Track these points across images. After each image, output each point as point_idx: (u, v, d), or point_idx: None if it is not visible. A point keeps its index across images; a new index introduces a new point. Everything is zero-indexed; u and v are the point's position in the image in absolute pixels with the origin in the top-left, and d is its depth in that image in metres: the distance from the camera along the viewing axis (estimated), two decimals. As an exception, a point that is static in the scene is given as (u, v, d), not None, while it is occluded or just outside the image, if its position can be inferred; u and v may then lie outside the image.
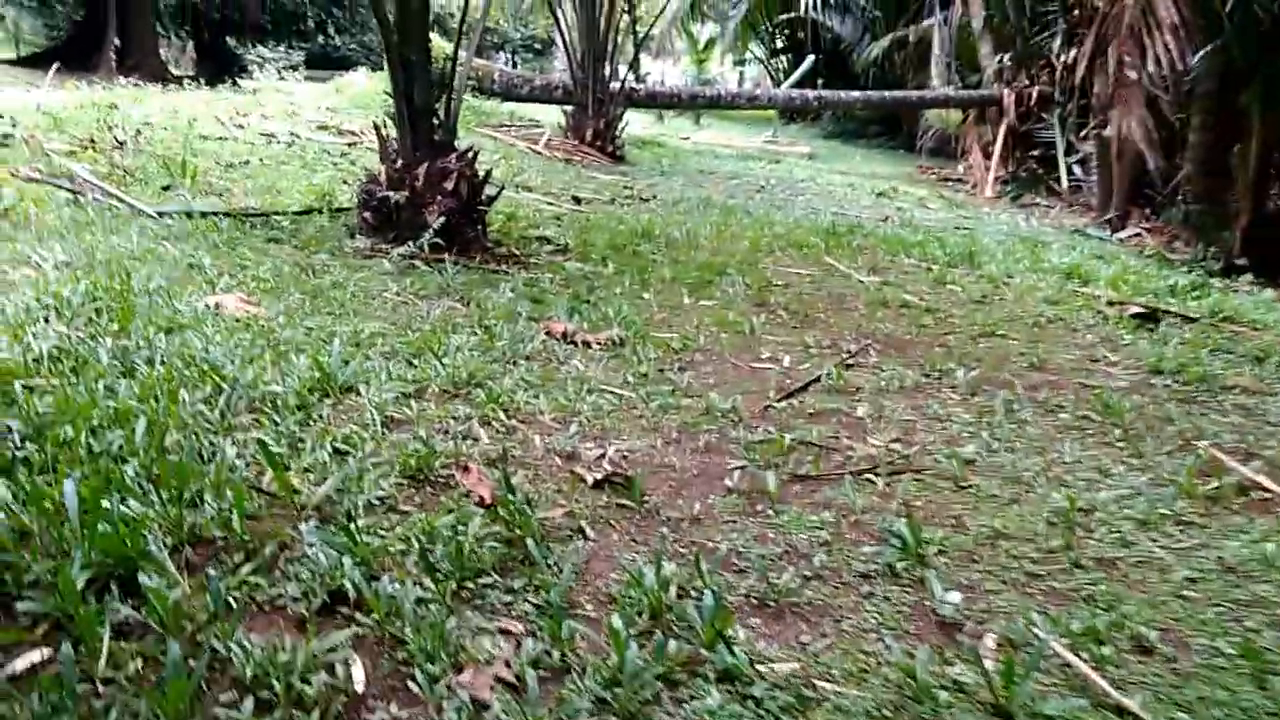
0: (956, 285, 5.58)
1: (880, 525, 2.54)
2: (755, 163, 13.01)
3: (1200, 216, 10.24)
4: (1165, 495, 2.81)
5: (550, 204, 7.36)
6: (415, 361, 3.39)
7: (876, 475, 2.89)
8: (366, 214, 5.02)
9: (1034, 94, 15.13)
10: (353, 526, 2.08)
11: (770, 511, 2.61)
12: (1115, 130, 10.54)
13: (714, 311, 4.71)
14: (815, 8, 19.61)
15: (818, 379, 3.79)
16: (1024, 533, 2.56)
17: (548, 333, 4.02)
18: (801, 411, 3.44)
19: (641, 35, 12.13)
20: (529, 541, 2.15)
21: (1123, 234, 10.91)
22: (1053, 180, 14.72)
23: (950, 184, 14.94)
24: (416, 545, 2.08)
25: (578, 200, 7.68)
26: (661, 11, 13.08)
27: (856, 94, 15.04)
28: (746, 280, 5.34)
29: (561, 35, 11.19)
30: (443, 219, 4.81)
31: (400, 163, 5.01)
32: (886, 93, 16.08)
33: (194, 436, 2.39)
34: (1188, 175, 10.40)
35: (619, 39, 11.52)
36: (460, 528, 2.22)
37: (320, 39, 25.69)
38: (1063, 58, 15.11)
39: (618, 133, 11.20)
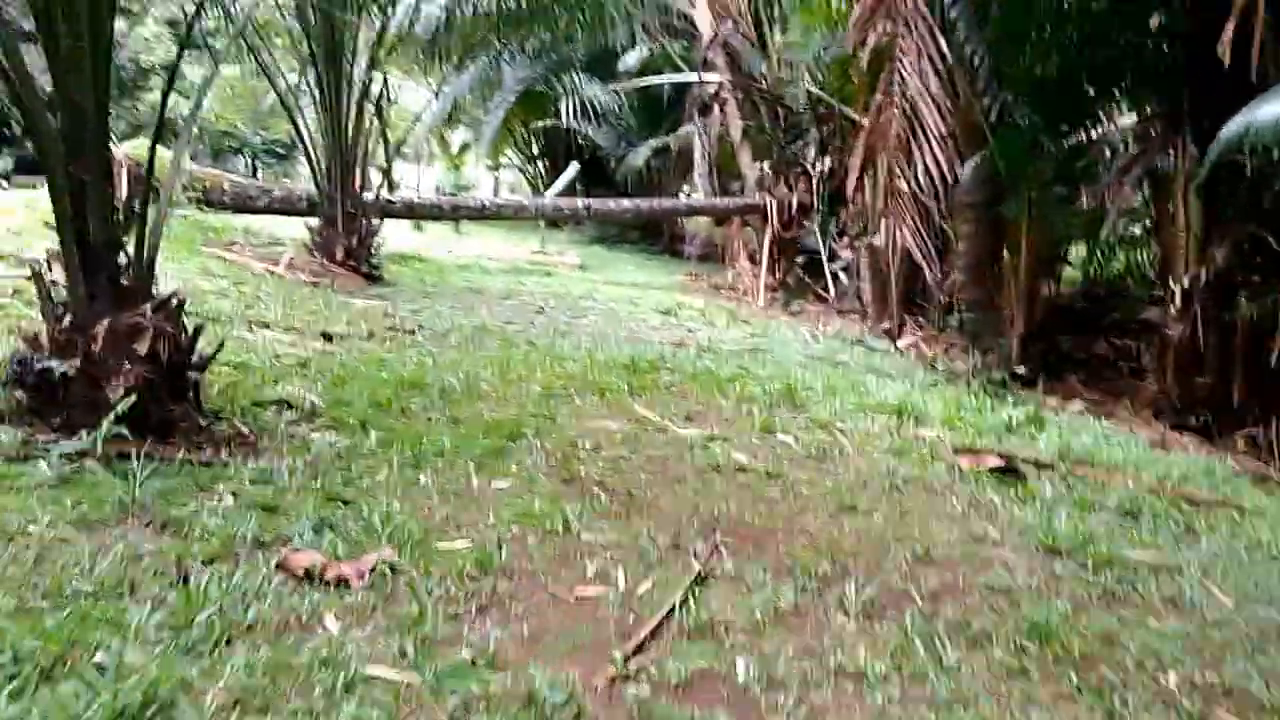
0: (788, 435, 4.79)
1: None
2: (527, 276, 12.12)
3: (975, 324, 10.28)
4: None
5: (293, 345, 6.05)
6: (54, 676, 2.08)
7: (812, 823, 1.90)
8: (19, 393, 3.60)
9: (795, 202, 15.30)
10: None
11: None
12: (887, 239, 10.48)
13: (513, 497, 3.64)
14: (572, 115, 19.33)
15: (670, 612, 2.79)
16: None
17: (284, 570, 2.79)
18: (664, 683, 2.41)
19: (396, 143, 11.06)
20: None
21: (901, 343, 10.83)
22: (820, 287, 14.83)
23: (722, 292, 14.66)
24: None
25: (328, 337, 6.41)
26: (418, 119, 12.10)
27: (626, 203, 14.61)
28: (546, 444, 4.31)
29: (303, 143, 9.91)
30: (132, 396, 3.47)
31: (70, 320, 3.64)
32: (655, 201, 15.82)
33: None
34: (960, 283, 10.46)
35: (370, 145, 10.40)
36: None
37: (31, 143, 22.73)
38: (818, 166, 15.47)
39: (373, 249, 9.98)
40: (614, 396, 5.26)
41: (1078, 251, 12.55)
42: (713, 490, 3.92)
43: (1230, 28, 5.18)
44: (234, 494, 3.32)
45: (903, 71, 9.37)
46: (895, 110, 9.60)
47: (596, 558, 3.16)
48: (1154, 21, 8.26)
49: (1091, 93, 9.27)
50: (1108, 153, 9.75)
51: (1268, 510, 4.61)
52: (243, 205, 11.01)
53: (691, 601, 2.84)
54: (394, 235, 11.31)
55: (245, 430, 3.98)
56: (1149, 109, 9.04)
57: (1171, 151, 8.22)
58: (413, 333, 7.00)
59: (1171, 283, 8.28)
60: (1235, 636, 2.98)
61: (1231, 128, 5.65)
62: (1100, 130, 10.05)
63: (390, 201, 11.07)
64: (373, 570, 2.86)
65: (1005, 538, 3.62)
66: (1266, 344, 7.49)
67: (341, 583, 2.77)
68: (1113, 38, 8.69)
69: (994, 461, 4.41)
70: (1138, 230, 11.66)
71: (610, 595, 2.90)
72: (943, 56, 9.00)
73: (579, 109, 19.30)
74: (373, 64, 10.23)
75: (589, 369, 5.85)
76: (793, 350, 8.20)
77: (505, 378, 5.51)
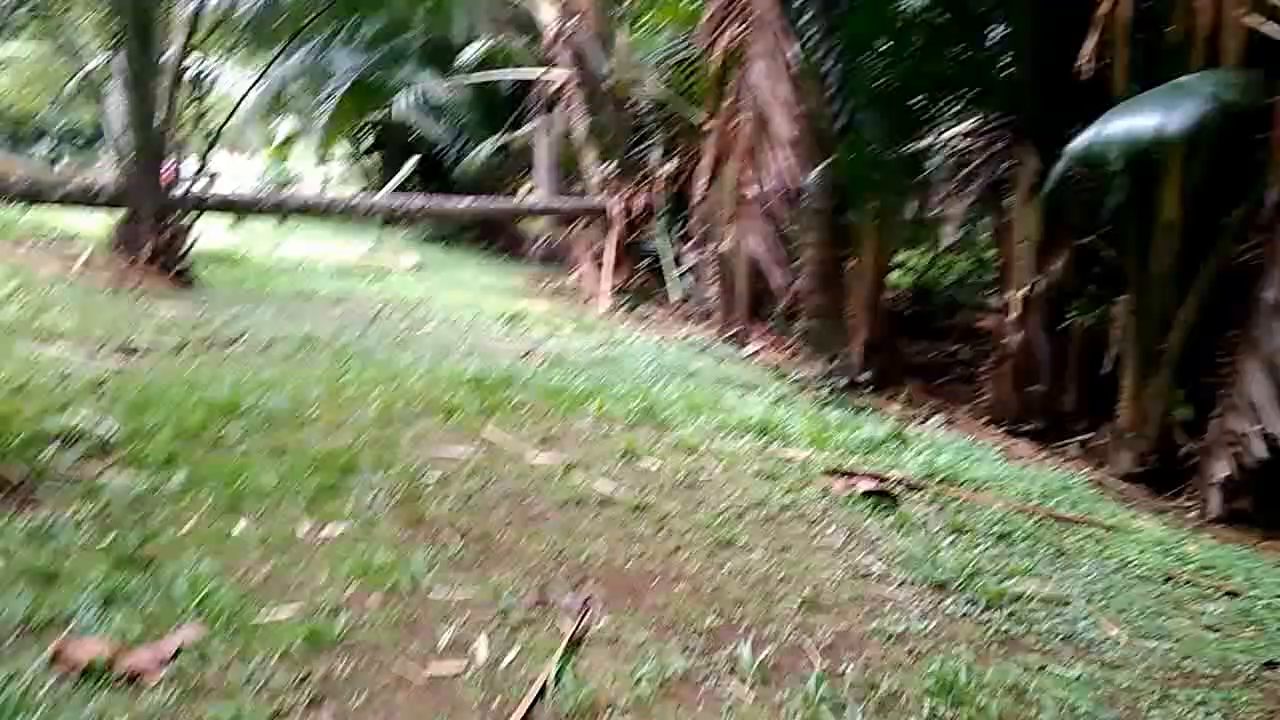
0: (652, 459, 4.46)
1: None
2: (360, 280, 11.37)
3: (819, 331, 10.28)
4: None
5: (87, 361, 5.29)
6: None
7: None
8: None
9: (640, 205, 15.07)
10: None
11: None
12: (735, 246, 10.36)
13: (349, 547, 3.16)
14: (408, 109, 18.49)
15: (542, 692, 2.39)
16: None
17: (61, 664, 2.24)
18: (542, 791, 2.02)
19: (215, 130, 10.09)
20: None
21: (747, 350, 10.74)
22: (664, 291, 14.65)
23: (565, 295, 14.29)
24: None
25: (129, 352, 5.66)
26: (238, 105, 11.17)
27: (467, 201, 13.96)
28: (387, 478, 3.82)
29: (107, 128, 8.91)
30: None
31: None
32: (494, 201, 15.30)
33: None
34: (805, 291, 10.44)
35: (184, 133, 9.48)
36: None
37: None
38: (663, 168, 15.30)
39: (185, 248, 9.07)
40: (461, 418, 4.79)
41: (911, 260, 12.91)
42: (577, 529, 3.54)
43: (1091, 41, 5.19)
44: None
45: (753, 76, 9.25)
46: (745, 115, 9.47)
47: (451, 622, 2.73)
48: (997, 33, 8.39)
49: (934, 102, 9.38)
50: (948, 162, 9.91)
51: (1126, 526, 4.64)
52: (36, 196, 9.81)
53: (567, 674, 2.46)
54: (209, 233, 10.33)
55: (18, 474, 3.32)
56: (992, 119, 9.20)
57: (1014, 162, 8.36)
58: (229, 345, 6.29)
59: (1010, 292, 8.45)
60: (1138, 680, 2.84)
61: (1079, 141, 5.69)
62: (941, 139, 10.24)
63: (205, 195, 10.11)
64: (175, 656, 2.34)
65: (891, 572, 3.41)
66: (1098, 352, 7.72)
67: (134, 679, 2.24)
68: (955, 48, 8.81)
69: (866, 484, 4.23)
70: (962, 236, 12.04)
71: (469, 672, 2.48)
72: (792, 62, 8.94)
73: (416, 102, 18.48)
74: (189, 45, 9.32)
75: (432, 386, 5.35)
76: (644, 360, 7.90)
77: (337, 398, 4.95)
